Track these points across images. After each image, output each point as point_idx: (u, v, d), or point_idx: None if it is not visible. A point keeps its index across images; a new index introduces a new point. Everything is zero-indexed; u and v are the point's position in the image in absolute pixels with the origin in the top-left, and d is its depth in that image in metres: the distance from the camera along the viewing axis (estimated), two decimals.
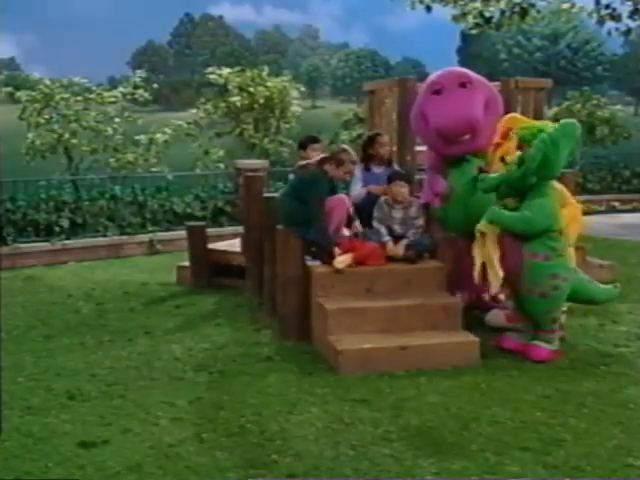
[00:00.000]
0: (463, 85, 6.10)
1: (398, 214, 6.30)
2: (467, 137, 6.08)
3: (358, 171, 6.80)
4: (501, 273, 5.48)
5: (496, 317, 6.14)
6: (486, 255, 5.55)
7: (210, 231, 9.33)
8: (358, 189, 6.77)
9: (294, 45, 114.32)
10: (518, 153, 5.58)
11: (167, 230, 11.32)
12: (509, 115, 6.17)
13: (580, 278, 5.74)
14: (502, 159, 5.81)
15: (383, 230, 6.24)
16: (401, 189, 6.27)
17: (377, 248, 6.14)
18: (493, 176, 5.79)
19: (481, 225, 5.57)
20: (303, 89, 15.87)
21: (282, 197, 6.50)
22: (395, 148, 7.27)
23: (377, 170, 6.83)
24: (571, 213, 5.88)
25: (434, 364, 5.30)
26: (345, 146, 6.75)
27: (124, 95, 13.56)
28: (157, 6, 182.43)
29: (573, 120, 5.51)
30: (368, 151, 6.86)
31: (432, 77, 6.37)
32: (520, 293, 5.62)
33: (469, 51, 73.39)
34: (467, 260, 5.98)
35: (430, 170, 6.69)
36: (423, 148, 7.19)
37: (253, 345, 6.03)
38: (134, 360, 5.70)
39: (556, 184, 5.72)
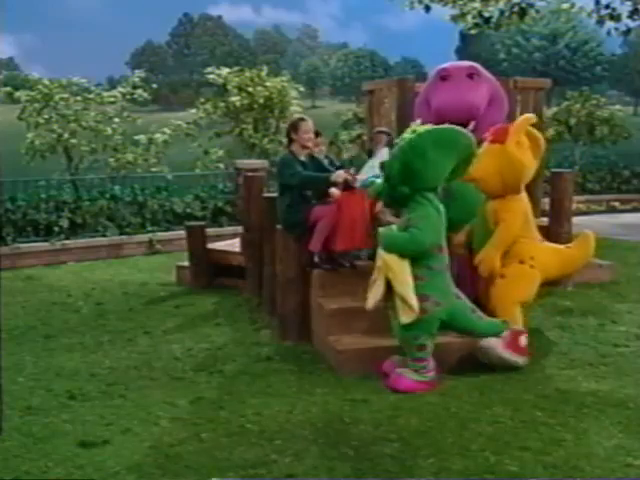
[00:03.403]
0: (470, 76, 6.27)
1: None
2: (469, 128, 6.09)
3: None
4: (416, 305, 4.83)
5: (493, 344, 5.33)
6: (400, 283, 4.86)
7: (210, 231, 9.34)
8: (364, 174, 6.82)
9: (293, 45, 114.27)
10: None
11: (167, 230, 11.32)
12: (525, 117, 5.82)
13: (461, 306, 5.11)
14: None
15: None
16: None
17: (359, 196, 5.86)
18: (379, 182, 5.25)
19: (385, 256, 4.92)
20: (302, 89, 15.86)
21: (277, 199, 6.51)
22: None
23: None
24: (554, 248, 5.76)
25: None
26: (303, 116, 6.68)
27: (123, 95, 13.56)
28: (156, 6, 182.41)
29: (450, 127, 4.97)
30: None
31: (441, 65, 6.52)
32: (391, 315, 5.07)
33: (468, 51, 73.33)
34: (462, 260, 6.00)
35: None
36: None
37: (253, 345, 6.04)
38: (134, 360, 5.70)
39: (523, 200, 5.56)
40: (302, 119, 6.28)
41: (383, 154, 6.36)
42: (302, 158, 6.13)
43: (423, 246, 4.89)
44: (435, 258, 4.97)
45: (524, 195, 5.70)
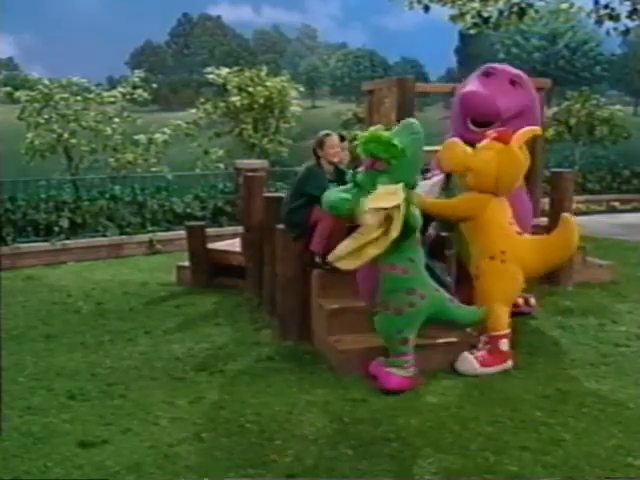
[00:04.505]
0: (512, 83, 6.24)
1: None
2: (490, 130, 6.04)
3: None
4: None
5: (467, 363, 5.34)
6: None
7: (210, 231, 9.33)
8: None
9: (292, 45, 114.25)
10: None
11: (167, 230, 11.31)
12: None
13: (441, 297, 5.15)
14: None
15: None
16: None
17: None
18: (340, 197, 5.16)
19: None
20: (302, 89, 15.85)
21: (285, 198, 6.51)
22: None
23: None
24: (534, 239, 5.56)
25: (434, 364, 5.30)
26: (328, 131, 6.64)
27: (123, 95, 13.54)
28: (155, 6, 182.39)
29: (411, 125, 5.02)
30: None
31: (489, 64, 6.55)
32: (373, 309, 5.16)
33: (467, 51, 73.48)
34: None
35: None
36: (423, 148, 7.20)
37: (253, 345, 6.04)
38: (134, 360, 5.71)
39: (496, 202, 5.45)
40: (327, 134, 6.27)
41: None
42: (328, 176, 6.16)
43: (418, 225, 4.96)
44: (415, 250, 5.05)
45: (503, 199, 5.55)
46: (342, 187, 5.25)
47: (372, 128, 5.07)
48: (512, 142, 5.39)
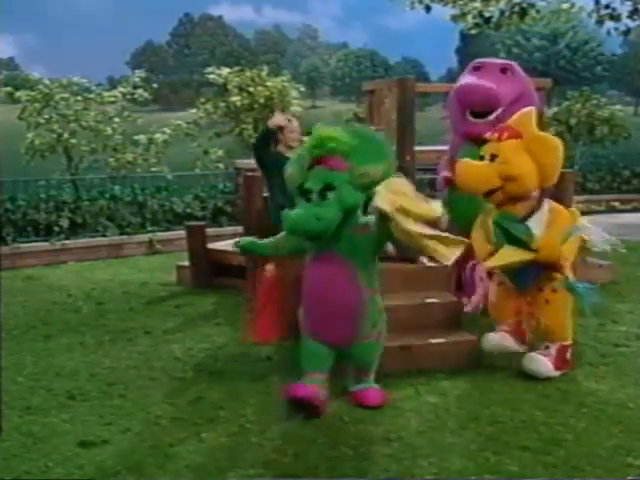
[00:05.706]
0: (503, 71, 6.25)
1: None
2: (490, 118, 6.00)
3: None
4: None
5: (545, 365, 5.17)
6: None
7: (210, 231, 9.34)
8: None
9: (293, 45, 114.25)
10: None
11: (167, 230, 11.32)
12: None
13: None
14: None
15: None
16: None
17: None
18: None
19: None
20: (303, 89, 15.85)
21: (268, 198, 6.60)
22: (394, 148, 7.27)
23: None
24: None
25: (434, 364, 5.29)
26: (288, 117, 6.70)
27: (123, 95, 13.55)
28: (156, 6, 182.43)
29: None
30: None
31: (477, 60, 6.57)
32: (355, 340, 4.58)
33: (468, 51, 73.36)
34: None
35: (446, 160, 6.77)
36: (424, 148, 7.22)
37: (253, 345, 6.03)
38: (134, 360, 5.70)
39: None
40: (288, 120, 6.41)
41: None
42: (288, 154, 6.27)
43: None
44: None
45: None
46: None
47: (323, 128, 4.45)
48: (527, 129, 4.97)
